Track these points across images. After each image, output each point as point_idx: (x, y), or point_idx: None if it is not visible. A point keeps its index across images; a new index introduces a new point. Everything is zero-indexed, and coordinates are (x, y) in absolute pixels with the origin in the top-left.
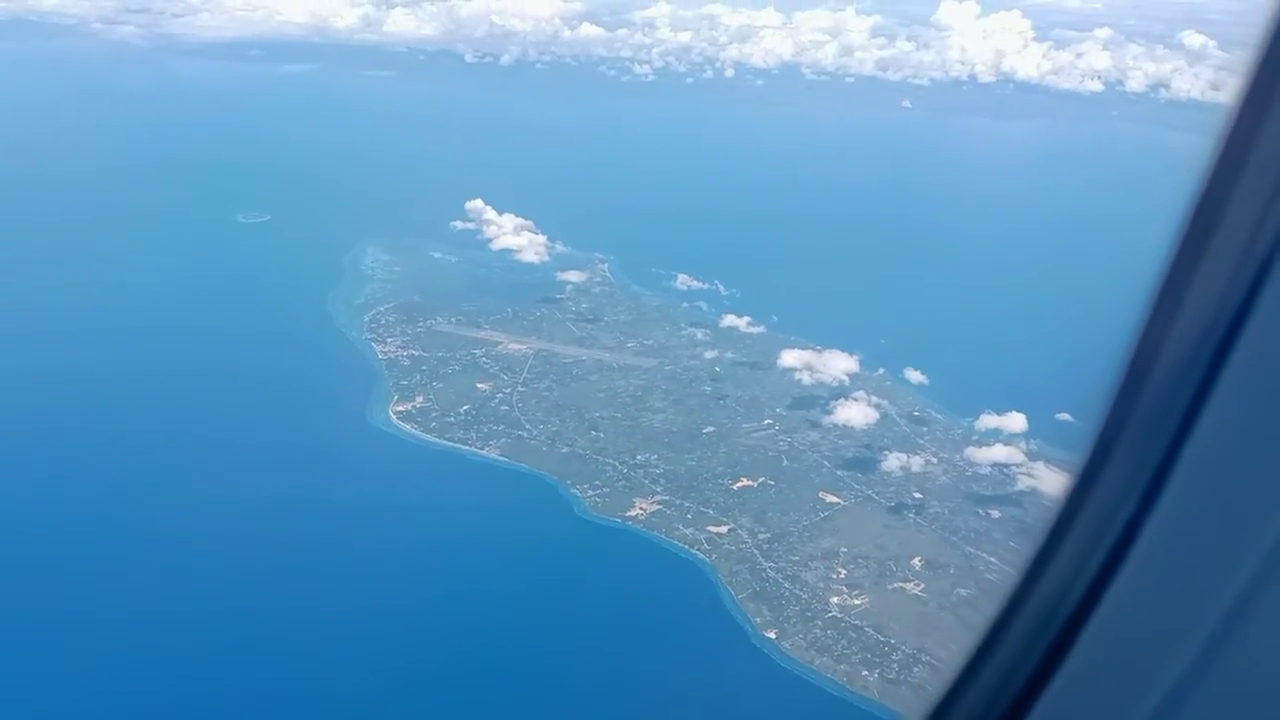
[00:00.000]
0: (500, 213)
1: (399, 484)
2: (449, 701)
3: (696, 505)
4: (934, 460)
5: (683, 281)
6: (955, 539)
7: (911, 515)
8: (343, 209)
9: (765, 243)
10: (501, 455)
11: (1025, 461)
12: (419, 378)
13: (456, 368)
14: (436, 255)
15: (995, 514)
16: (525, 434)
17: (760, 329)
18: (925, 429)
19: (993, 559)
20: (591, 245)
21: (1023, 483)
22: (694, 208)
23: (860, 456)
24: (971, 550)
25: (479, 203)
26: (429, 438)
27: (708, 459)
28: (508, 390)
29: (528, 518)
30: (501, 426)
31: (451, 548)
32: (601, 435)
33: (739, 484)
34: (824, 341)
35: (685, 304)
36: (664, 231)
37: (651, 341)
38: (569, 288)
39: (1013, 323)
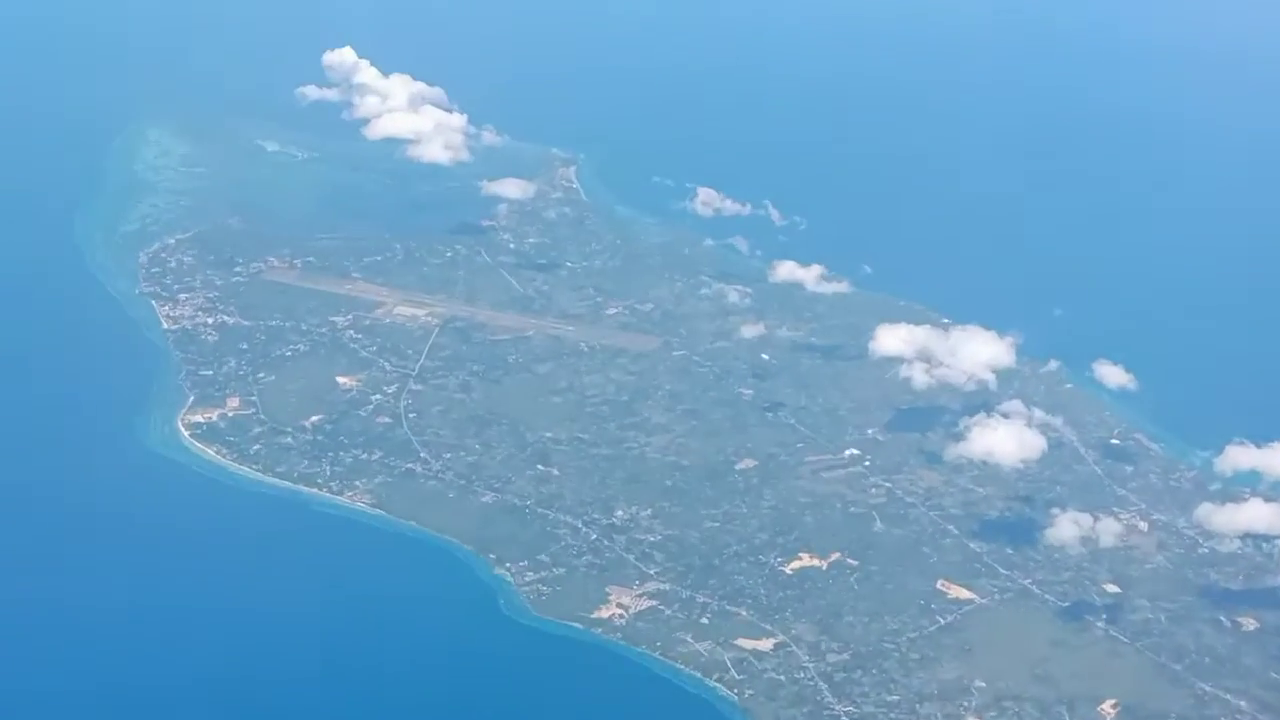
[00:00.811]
0: (385, 72)
1: (184, 560)
2: None
3: (719, 601)
4: (1142, 525)
5: (706, 201)
6: (1178, 667)
7: (1100, 624)
8: (111, 64)
9: (849, 141)
10: (374, 505)
11: None
12: (233, 365)
13: (301, 347)
14: (270, 147)
15: (1249, 624)
16: (419, 467)
17: (842, 285)
18: (1130, 469)
19: (1243, 703)
20: (547, 134)
21: None
22: (725, 77)
23: (1012, 517)
24: (1206, 688)
25: (346, 53)
26: (245, 470)
27: (742, 517)
28: (391, 389)
29: (416, 621)
30: (377, 453)
31: (268, 681)
32: (555, 472)
33: (796, 563)
34: (954, 311)
35: (710, 240)
36: (672, 115)
37: (650, 305)
38: (504, 207)
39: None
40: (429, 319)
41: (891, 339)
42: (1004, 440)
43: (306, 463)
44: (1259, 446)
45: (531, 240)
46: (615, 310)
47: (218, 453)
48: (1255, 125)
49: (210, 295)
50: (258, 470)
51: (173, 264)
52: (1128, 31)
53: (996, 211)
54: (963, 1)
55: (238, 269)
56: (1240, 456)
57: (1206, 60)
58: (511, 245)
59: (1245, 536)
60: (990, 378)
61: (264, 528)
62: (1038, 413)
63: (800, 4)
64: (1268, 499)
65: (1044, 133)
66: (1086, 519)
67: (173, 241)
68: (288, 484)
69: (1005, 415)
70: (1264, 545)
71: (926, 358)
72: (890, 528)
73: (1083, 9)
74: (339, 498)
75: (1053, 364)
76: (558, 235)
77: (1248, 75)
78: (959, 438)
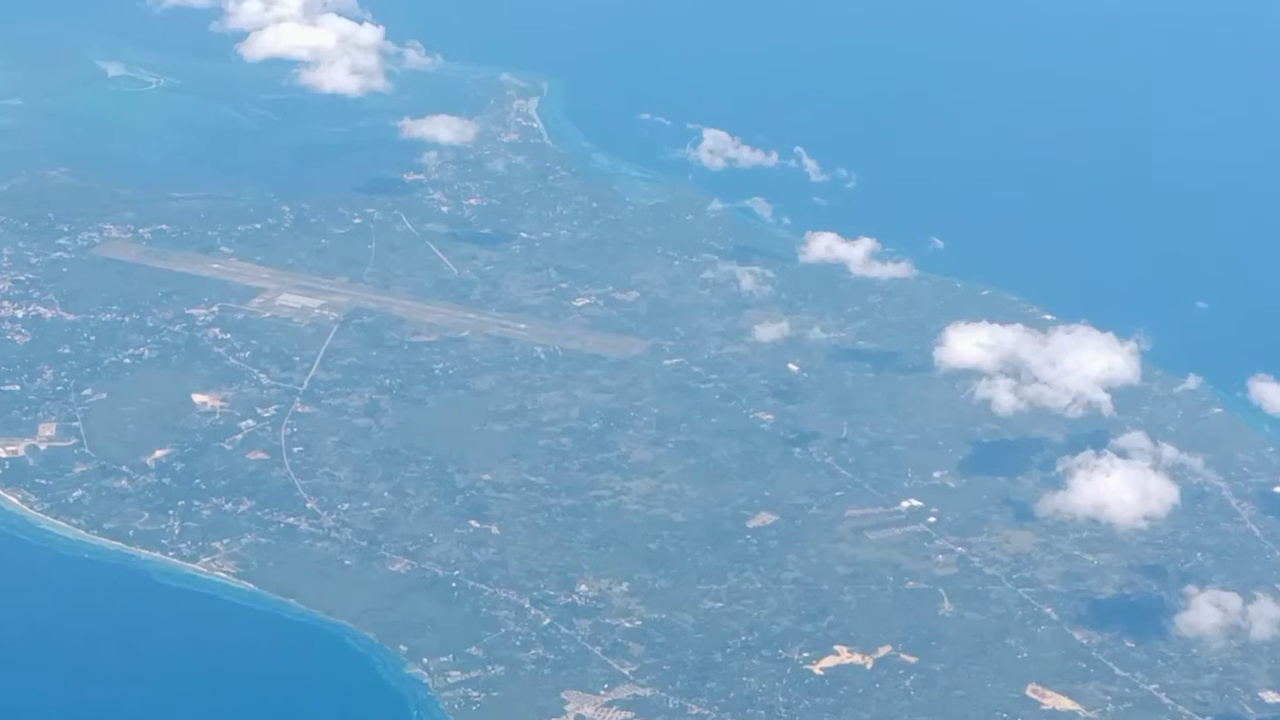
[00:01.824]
0: None
1: None
2: None
3: (720, 712)
4: None
5: (714, 147)
6: None
7: None
8: None
9: (913, 72)
10: (240, 577)
11: None
12: (49, 376)
13: (145, 351)
14: (113, 70)
15: None
16: (304, 523)
17: (902, 268)
18: None
19: None
20: (496, 55)
21: None
22: None
23: (1134, 596)
24: None
25: None
26: (61, 526)
27: (756, 595)
28: (269, 412)
29: None
30: (246, 503)
31: None
32: (494, 530)
33: (830, 660)
34: (1057, 305)
35: (719, 202)
36: (669, 34)
37: (634, 294)
38: (433, 155)
39: None
40: (325, 311)
41: (967, 344)
42: (1121, 489)
43: (146, 515)
44: None
45: (473, 202)
46: (586, 300)
47: (23, 500)
48: None
49: (21, 278)
50: (78, 526)
51: None
52: None
53: (1116, 172)
54: None
55: (62, 240)
56: None
57: None
58: (445, 209)
59: None
60: (1104, 399)
61: (81, 607)
62: (1169, 449)
63: None
64: None
65: (1175, 73)
66: (1236, 600)
67: None
68: (119, 545)
69: (1123, 454)
70: None
71: (1015, 371)
72: (963, 610)
73: None
74: (190, 565)
75: (1192, 380)
76: (510, 195)
77: None
78: (1058, 485)
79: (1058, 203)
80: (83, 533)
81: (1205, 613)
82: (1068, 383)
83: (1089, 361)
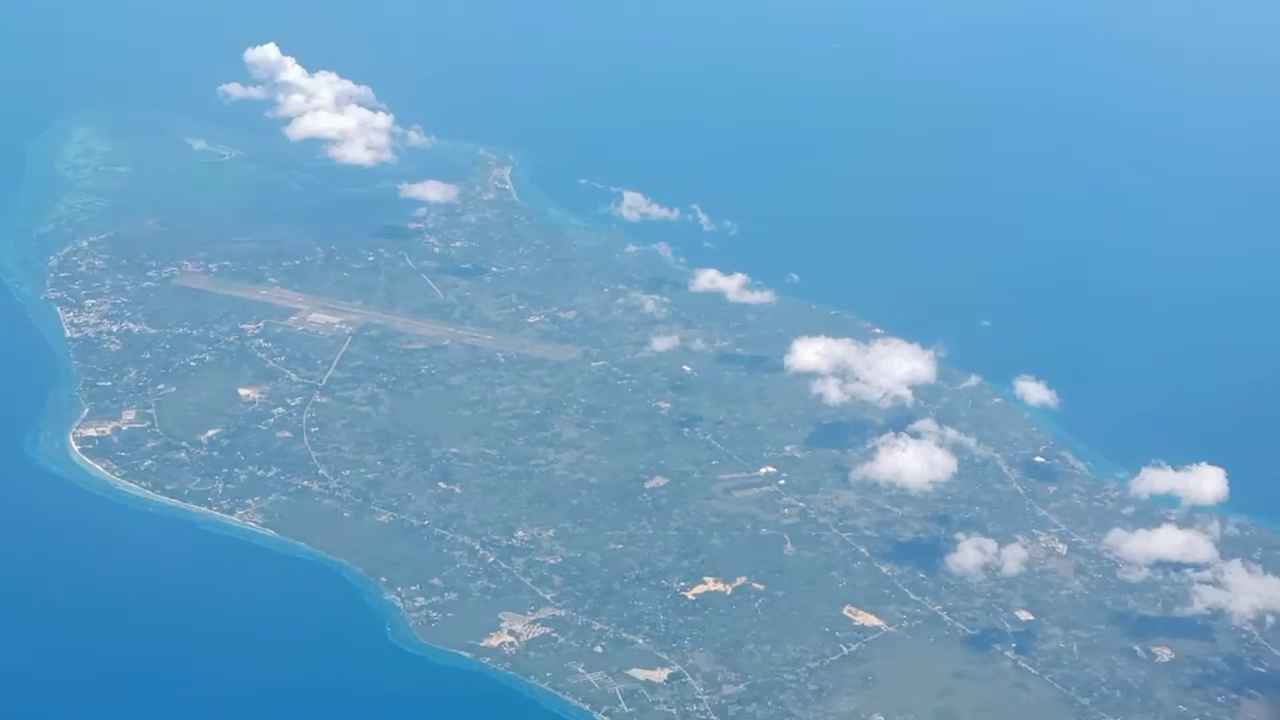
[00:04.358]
0: (310, 70)
1: (52, 583)
2: None
3: (616, 628)
4: (1061, 548)
5: (632, 205)
6: (1086, 701)
7: (1009, 654)
8: (34, 60)
9: (787, 146)
10: (265, 526)
11: (1215, 558)
12: (133, 375)
13: (207, 357)
14: (198, 145)
15: (1164, 654)
16: (315, 485)
17: (767, 295)
18: (1053, 488)
19: None
20: (477, 134)
21: (1210, 598)
22: (659, 77)
23: (927, 539)
24: None
25: (269, 50)
26: (133, 488)
27: (648, 539)
28: (295, 401)
29: (294, 649)
30: (273, 469)
31: (136, 705)
32: (457, 490)
33: (699, 588)
34: (885, 321)
35: (633, 245)
36: (608, 117)
37: (572, 314)
38: (427, 211)
39: (1210, 314)
40: (343, 327)
41: (807, 352)
42: (911, 461)
43: (198, 479)
44: (1177, 468)
45: (458, 244)
46: (537, 318)
47: (106, 469)
48: (1206, 135)
49: (118, 301)
50: (146, 488)
51: (83, 268)
52: (1085, 29)
53: (932, 219)
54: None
55: (150, 273)
56: (1157, 479)
57: (1165, 61)
58: (436, 249)
59: (1157, 565)
60: (907, 394)
61: (143, 549)
62: (950, 431)
63: (739, 5)
64: (1181, 526)
65: (981, 139)
66: (993, 544)
67: (86, 244)
68: (176, 502)
69: (916, 435)
70: (1176, 574)
71: (843, 373)
72: (801, 550)
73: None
74: (229, 517)
75: (974, 379)
76: (486, 239)
77: (1200, 78)
78: (870, 457)
79: (890, 246)
80: (149, 492)
81: (969, 554)
82: (881, 382)
83: (898, 365)
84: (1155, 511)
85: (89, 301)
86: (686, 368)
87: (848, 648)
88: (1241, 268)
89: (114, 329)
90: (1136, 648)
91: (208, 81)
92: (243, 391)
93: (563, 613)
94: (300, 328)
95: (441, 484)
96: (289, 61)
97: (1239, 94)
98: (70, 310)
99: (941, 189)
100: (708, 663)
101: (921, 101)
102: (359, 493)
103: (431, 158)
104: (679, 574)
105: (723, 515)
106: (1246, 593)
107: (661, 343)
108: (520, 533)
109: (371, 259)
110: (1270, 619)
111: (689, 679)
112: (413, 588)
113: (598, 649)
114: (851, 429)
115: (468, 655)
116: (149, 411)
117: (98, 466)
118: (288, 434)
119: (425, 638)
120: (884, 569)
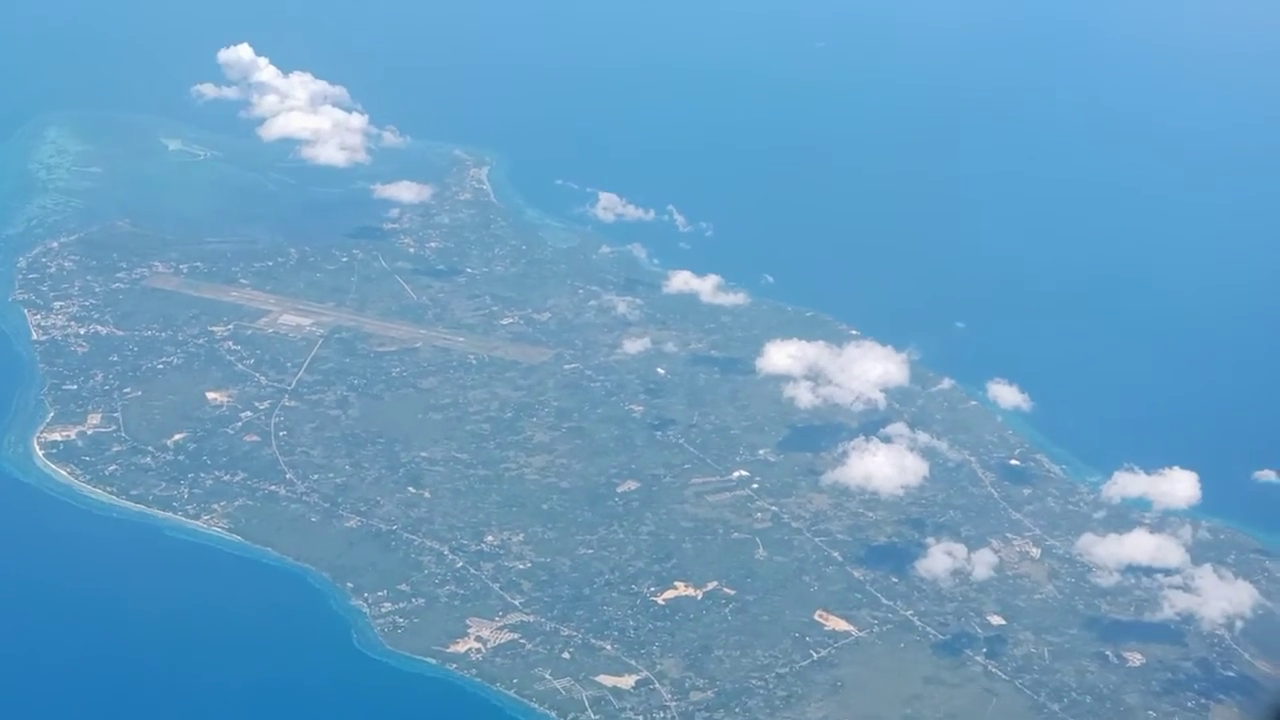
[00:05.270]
0: (285, 71)
1: (27, 587)
2: None
3: (585, 634)
4: (1035, 552)
5: (606, 206)
6: (1055, 707)
7: (980, 659)
8: (5, 61)
9: (764, 146)
10: (231, 531)
11: (1186, 562)
12: (100, 379)
13: (175, 359)
14: (173, 145)
15: (1135, 659)
16: (283, 489)
17: (740, 297)
18: (1027, 491)
19: None
20: (453, 134)
21: (1182, 602)
22: (637, 78)
23: (900, 543)
24: None
25: (243, 50)
26: (97, 493)
27: (619, 543)
28: (264, 405)
29: (259, 656)
30: (240, 474)
31: (98, 714)
32: (426, 494)
33: (669, 593)
34: (860, 323)
35: (608, 247)
36: (586, 117)
37: (546, 315)
38: (401, 212)
39: (1184, 318)
40: (314, 329)
41: (780, 355)
42: (884, 465)
43: (164, 484)
44: (1150, 472)
45: (433, 245)
46: (510, 320)
47: (71, 473)
48: (1180, 138)
49: (87, 303)
50: (111, 493)
51: (53, 269)
52: (1060, 30)
53: (907, 221)
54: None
55: (120, 275)
56: (1129, 483)
57: (1135, 61)
58: (411, 250)
59: (1129, 569)
60: (880, 397)
61: (108, 554)
62: (924, 435)
63: (717, 4)
64: (1153, 531)
65: (957, 141)
66: (963, 549)
67: (56, 245)
68: (141, 507)
69: (887, 439)
70: (1147, 578)
71: (815, 376)
72: (773, 554)
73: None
74: (194, 522)
75: (947, 382)
76: (461, 240)
77: (1170, 78)
78: (841, 462)
79: (865, 247)
80: (114, 497)
81: (939, 559)
82: (854, 385)
83: (871, 368)
84: (1128, 515)
85: (57, 303)
86: (660, 370)
87: (818, 653)
88: (1217, 272)
89: (81, 331)
90: (1108, 652)
91: (182, 82)
92: (210, 395)
93: (531, 618)
94: (270, 330)
95: (411, 488)
96: (263, 62)
97: (1212, 97)
98: (38, 312)
99: (917, 190)
100: (676, 669)
101: (899, 103)
102: (327, 497)
103: (407, 158)
104: (649, 579)
105: (695, 519)
106: (1217, 597)
107: (635, 345)
108: (490, 538)
109: (345, 260)
110: (1241, 623)
111: (657, 685)
112: (380, 593)
113: (565, 655)
114: (824, 432)
115: (434, 662)
116: (115, 415)
117: (62, 471)
118: (255, 438)
119: (391, 644)
120: (856, 573)
